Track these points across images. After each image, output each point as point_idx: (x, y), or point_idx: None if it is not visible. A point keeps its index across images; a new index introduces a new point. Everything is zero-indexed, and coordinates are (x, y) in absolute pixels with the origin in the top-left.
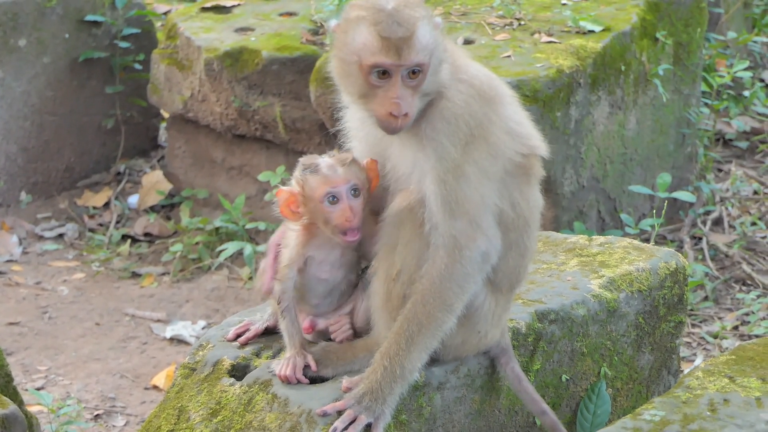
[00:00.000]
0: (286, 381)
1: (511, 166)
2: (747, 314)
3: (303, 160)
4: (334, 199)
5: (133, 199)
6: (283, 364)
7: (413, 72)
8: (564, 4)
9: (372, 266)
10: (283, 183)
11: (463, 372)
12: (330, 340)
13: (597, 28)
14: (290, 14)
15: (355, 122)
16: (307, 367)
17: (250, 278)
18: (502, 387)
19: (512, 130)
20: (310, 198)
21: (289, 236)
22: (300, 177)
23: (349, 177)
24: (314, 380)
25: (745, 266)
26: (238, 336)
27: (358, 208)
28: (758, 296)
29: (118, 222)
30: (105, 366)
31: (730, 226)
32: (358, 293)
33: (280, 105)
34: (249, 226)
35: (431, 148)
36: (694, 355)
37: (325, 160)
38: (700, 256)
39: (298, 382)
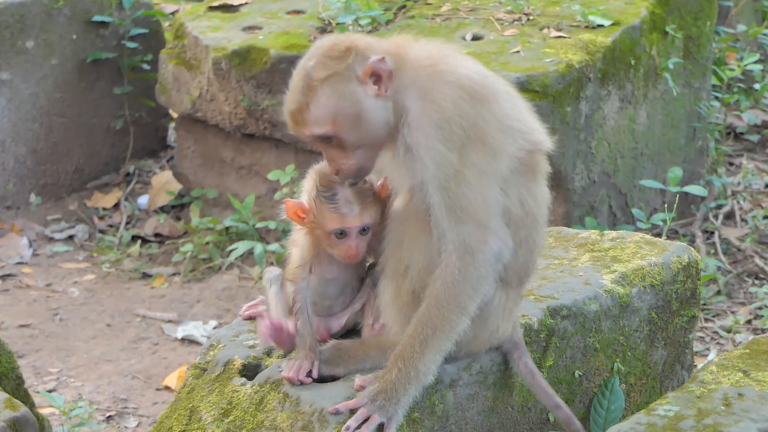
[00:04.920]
0: (290, 382)
1: (516, 164)
2: (760, 308)
3: (320, 177)
4: (342, 234)
5: (143, 200)
6: (289, 365)
7: (324, 139)
8: None
9: (380, 263)
10: (292, 181)
11: (475, 369)
12: (342, 338)
13: (606, 23)
14: (298, 12)
15: None
16: (321, 365)
17: (261, 278)
18: (515, 384)
19: (510, 128)
20: (319, 224)
21: (298, 236)
22: (314, 200)
23: (363, 219)
24: (326, 379)
25: (757, 260)
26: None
27: (364, 245)
28: None
29: (128, 223)
30: (116, 367)
31: (742, 220)
32: (367, 289)
33: None
34: (259, 225)
35: (428, 158)
36: (708, 349)
37: (344, 192)
38: (713, 251)
39: (303, 383)
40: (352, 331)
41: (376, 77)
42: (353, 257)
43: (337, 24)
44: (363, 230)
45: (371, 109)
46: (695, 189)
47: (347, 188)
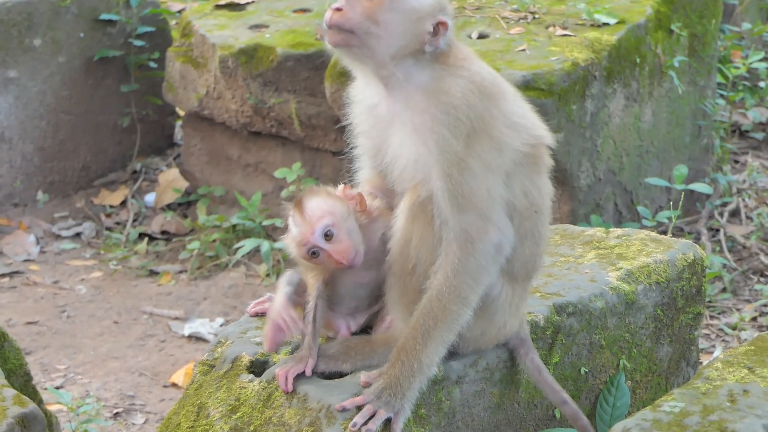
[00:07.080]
0: (277, 380)
1: (520, 157)
2: (765, 305)
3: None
4: (314, 253)
5: (150, 198)
6: (283, 363)
7: None
8: None
9: (387, 261)
10: (299, 179)
11: (481, 365)
12: (354, 334)
13: (611, 21)
14: (304, 11)
15: (360, 117)
16: (327, 361)
17: (268, 275)
18: (521, 380)
19: (516, 124)
20: (298, 259)
21: None
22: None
23: (313, 224)
24: (333, 375)
25: (762, 257)
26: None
27: (343, 246)
28: None
29: (135, 220)
30: (124, 364)
31: (747, 218)
32: None
33: (296, 101)
34: (266, 222)
35: (433, 141)
36: (713, 346)
37: (291, 219)
38: (718, 248)
39: (288, 390)
40: (362, 329)
41: (436, 30)
42: (342, 261)
43: None
44: (326, 235)
45: (420, 41)
46: (700, 187)
47: (291, 214)
